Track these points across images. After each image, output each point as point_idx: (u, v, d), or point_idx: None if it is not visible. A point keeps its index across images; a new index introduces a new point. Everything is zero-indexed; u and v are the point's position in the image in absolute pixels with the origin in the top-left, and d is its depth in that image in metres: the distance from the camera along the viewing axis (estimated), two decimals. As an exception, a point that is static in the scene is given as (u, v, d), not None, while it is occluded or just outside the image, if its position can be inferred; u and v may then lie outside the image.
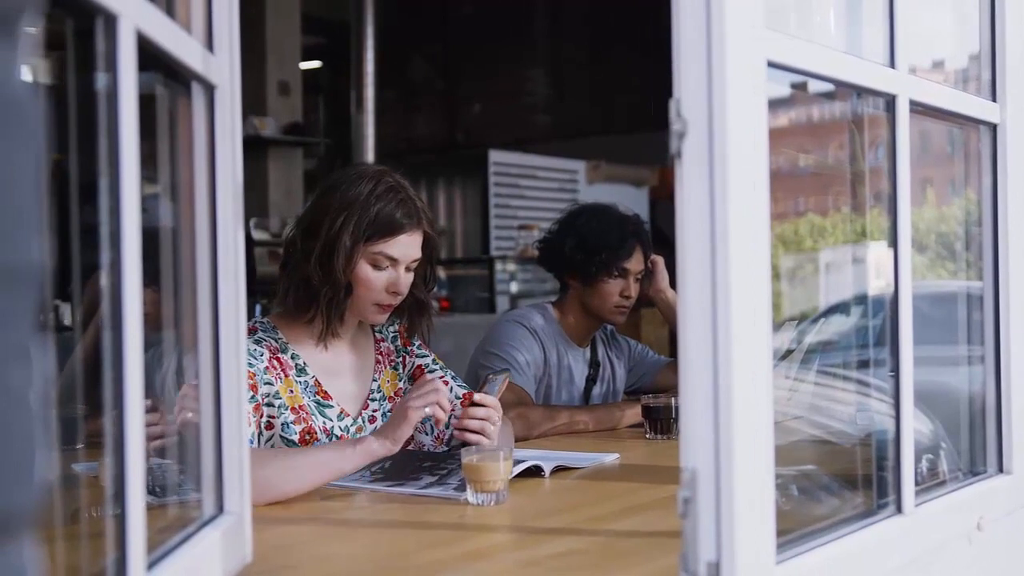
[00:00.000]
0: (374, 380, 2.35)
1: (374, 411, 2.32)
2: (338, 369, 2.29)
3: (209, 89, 1.36)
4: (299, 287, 2.21)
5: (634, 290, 3.03)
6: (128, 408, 1.02)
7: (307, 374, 2.23)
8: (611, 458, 2.35)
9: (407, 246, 2.21)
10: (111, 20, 1.00)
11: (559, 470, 2.18)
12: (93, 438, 1.31)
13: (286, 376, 2.19)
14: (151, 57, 1.13)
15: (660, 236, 4.70)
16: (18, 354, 0.57)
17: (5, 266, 0.55)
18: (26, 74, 0.58)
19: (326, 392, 2.24)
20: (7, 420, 0.56)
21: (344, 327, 2.28)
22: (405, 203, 2.21)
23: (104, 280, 1.02)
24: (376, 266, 2.20)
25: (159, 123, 1.34)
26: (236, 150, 1.40)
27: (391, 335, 2.43)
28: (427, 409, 1.98)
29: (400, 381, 2.39)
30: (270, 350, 2.18)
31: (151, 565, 1.11)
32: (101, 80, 1.03)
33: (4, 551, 0.56)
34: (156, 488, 1.39)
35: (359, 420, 2.28)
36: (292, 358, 2.22)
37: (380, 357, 2.38)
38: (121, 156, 1.02)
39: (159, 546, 1.20)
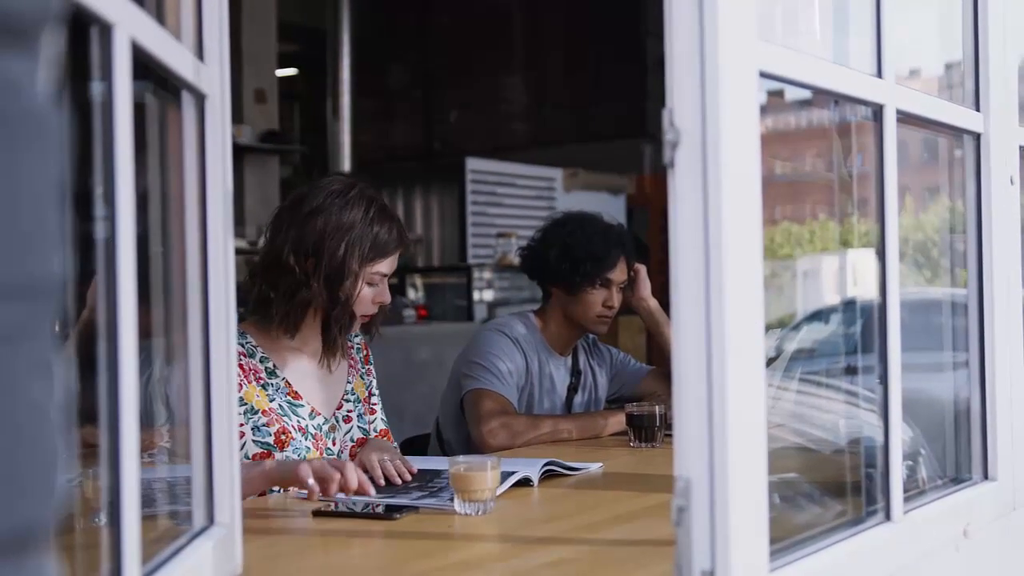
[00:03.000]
0: (348, 382, 2.43)
1: (348, 411, 2.40)
2: (311, 372, 2.35)
3: (200, 98, 1.35)
4: (301, 308, 2.25)
5: (617, 300, 3.04)
6: (123, 419, 1.01)
7: (278, 376, 2.28)
8: (595, 467, 2.36)
9: (395, 261, 2.34)
10: (106, 29, 1.00)
11: (548, 476, 2.18)
12: (79, 449, 1.30)
13: (250, 383, 2.24)
14: (142, 65, 1.12)
15: (637, 243, 4.71)
16: (40, 367, 0.56)
17: (28, 279, 0.55)
18: (47, 86, 0.58)
19: (296, 392, 2.30)
20: (31, 433, 0.55)
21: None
22: (396, 223, 2.33)
23: (99, 289, 1.02)
24: (370, 284, 2.30)
25: (149, 132, 1.33)
26: (226, 160, 1.40)
27: (356, 345, 2.51)
28: (311, 481, 1.90)
29: (366, 390, 2.49)
30: None
31: (144, 578, 1.10)
32: (95, 88, 1.03)
33: (30, 563, 0.56)
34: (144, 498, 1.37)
35: (332, 419, 2.36)
36: (261, 362, 2.28)
37: (352, 361, 2.47)
38: (116, 164, 1.01)
39: (150, 558, 1.19)
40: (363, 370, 2.49)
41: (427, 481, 2.13)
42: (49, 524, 0.57)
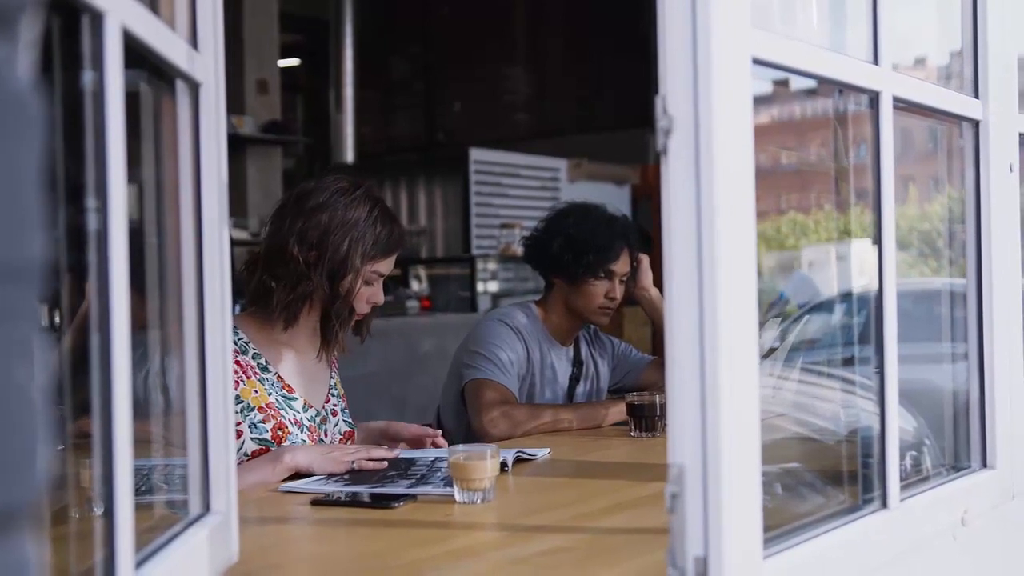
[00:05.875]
0: (332, 377, 2.48)
1: (334, 405, 2.46)
2: (299, 367, 2.39)
3: (194, 87, 1.35)
4: (300, 299, 2.29)
5: (619, 292, 3.03)
6: (116, 408, 1.02)
7: (270, 371, 2.32)
8: (543, 452, 2.39)
9: (392, 262, 2.39)
10: (97, 17, 1.00)
11: (519, 461, 2.24)
12: (76, 439, 1.30)
13: (248, 378, 2.27)
14: (135, 55, 1.12)
15: (641, 234, 4.72)
16: (22, 349, 0.57)
17: (10, 262, 0.55)
18: (26, 70, 0.58)
19: (289, 386, 2.34)
20: (11, 415, 0.56)
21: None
22: (396, 225, 2.37)
23: (91, 280, 1.02)
24: (367, 283, 2.33)
25: (143, 121, 1.33)
26: (221, 149, 1.40)
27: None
28: (354, 465, 2.14)
29: (341, 387, 2.54)
30: None
31: (139, 564, 1.10)
32: (86, 78, 1.03)
33: (9, 545, 0.56)
34: (139, 487, 1.38)
35: (323, 412, 2.41)
36: (253, 358, 2.31)
37: (333, 359, 2.51)
38: (108, 155, 1.01)
39: (146, 545, 1.19)
40: (338, 368, 2.55)
41: (405, 469, 2.13)
42: (31, 505, 0.58)
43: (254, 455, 2.21)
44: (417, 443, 2.43)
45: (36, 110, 0.58)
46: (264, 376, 2.29)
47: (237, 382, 2.22)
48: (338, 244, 2.27)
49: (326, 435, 2.38)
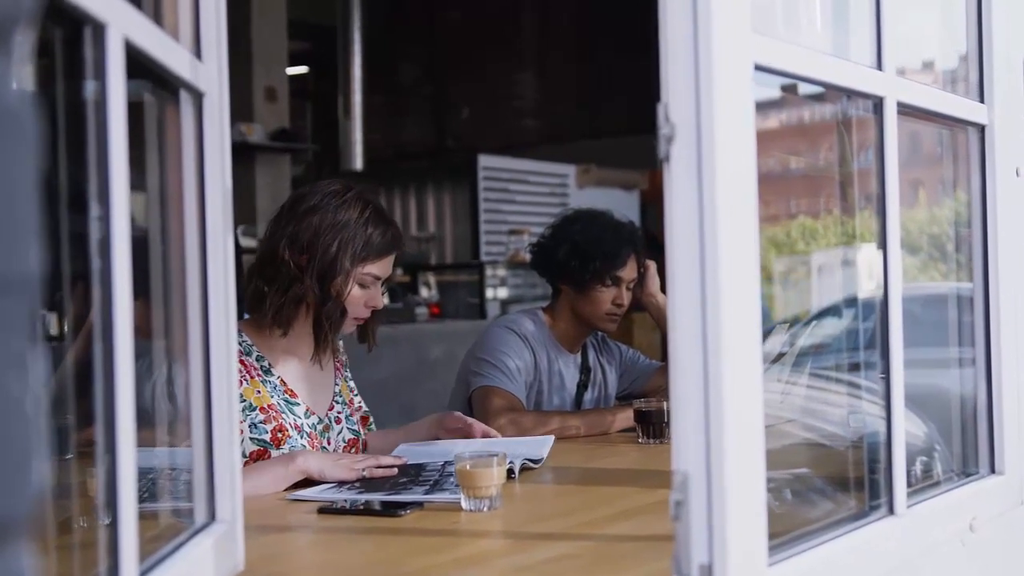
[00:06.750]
0: (336, 384, 2.47)
1: (338, 413, 2.45)
2: (303, 374, 2.39)
3: (197, 97, 1.36)
4: (293, 303, 2.29)
5: (626, 298, 3.03)
6: (119, 417, 1.02)
7: (273, 375, 2.32)
8: (548, 441, 2.43)
9: (390, 265, 2.37)
10: (99, 29, 1.00)
11: (526, 469, 2.24)
12: (83, 448, 1.30)
13: (252, 378, 2.28)
14: (138, 65, 1.13)
15: (650, 240, 4.71)
16: (16, 361, 0.57)
17: (5, 274, 0.56)
18: (21, 83, 0.58)
19: (292, 391, 2.34)
20: (5, 427, 0.56)
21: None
22: (392, 226, 2.37)
23: (95, 289, 1.02)
24: (362, 285, 2.33)
25: (147, 131, 1.34)
26: (225, 158, 1.40)
27: (340, 349, 2.56)
28: (365, 472, 2.13)
29: (351, 392, 2.53)
30: None
31: (143, 573, 1.11)
32: (89, 88, 1.03)
33: (4, 556, 0.56)
34: (144, 495, 1.38)
35: (326, 419, 2.40)
36: (257, 360, 2.32)
37: (338, 365, 2.51)
38: (110, 164, 1.02)
39: (150, 554, 1.19)
40: (346, 374, 2.55)
41: (416, 476, 2.13)
42: (25, 516, 0.58)
43: (252, 456, 2.21)
44: (467, 434, 2.46)
45: (31, 123, 0.58)
46: (267, 379, 2.30)
47: (240, 381, 2.22)
48: (328, 245, 2.27)
49: (329, 443, 2.38)
